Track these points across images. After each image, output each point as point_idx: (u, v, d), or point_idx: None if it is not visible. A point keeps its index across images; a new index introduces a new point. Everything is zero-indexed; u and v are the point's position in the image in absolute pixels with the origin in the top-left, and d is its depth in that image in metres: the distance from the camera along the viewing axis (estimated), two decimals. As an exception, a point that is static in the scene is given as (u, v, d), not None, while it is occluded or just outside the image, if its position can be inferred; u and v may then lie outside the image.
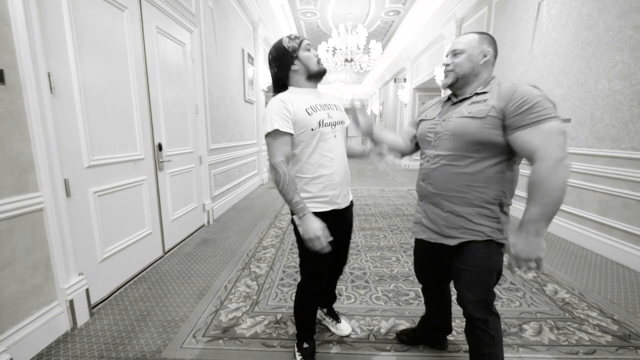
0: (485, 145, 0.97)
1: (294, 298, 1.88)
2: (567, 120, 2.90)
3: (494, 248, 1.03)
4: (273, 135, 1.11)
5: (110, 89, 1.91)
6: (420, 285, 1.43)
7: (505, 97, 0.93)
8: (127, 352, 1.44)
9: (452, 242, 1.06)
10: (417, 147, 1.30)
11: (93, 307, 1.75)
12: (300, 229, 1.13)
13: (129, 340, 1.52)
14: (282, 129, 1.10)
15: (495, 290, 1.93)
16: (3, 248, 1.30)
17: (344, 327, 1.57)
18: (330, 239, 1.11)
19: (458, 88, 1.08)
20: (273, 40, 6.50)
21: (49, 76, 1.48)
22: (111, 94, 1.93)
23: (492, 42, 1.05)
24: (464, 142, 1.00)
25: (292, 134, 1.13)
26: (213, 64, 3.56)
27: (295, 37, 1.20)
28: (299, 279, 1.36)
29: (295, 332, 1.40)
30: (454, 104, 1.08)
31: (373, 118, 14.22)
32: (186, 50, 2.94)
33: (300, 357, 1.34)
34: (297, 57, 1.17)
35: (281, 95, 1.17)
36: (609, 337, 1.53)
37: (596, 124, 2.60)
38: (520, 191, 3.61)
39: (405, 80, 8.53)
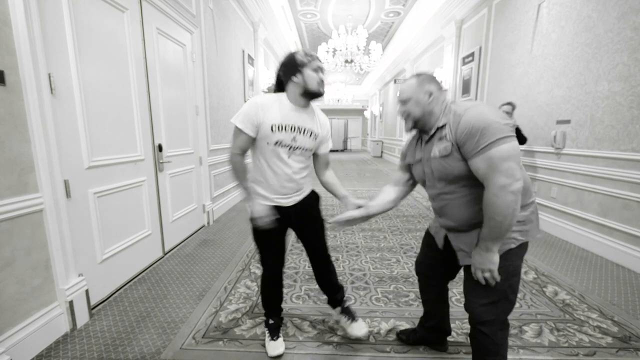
0: (466, 176, 1.00)
1: (295, 299, 1.88)
2: (566, 122, 2.90)
3: (516, 250, 1.03)
4: (236, 129, 1.25)
5: (110, 90, 1.92)
6: (419, 285, 1.42)
7: (455, 129, 0.98)
8: (126, 353, 1.44)
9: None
10: (412, 187, 1.33)
11: (93, 308, 1.75)
12: (248, 210, 1.32)
13: (129, 341, 1.52)
14: (244, 130, 1.23)
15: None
16: (3, 249, 1.30)
17: (356, 327, 1.50)
18: (272, 218, 1.30)
19: (421, 128, 1.13)
20: (273, 41, 6.52)
21: (50, 77, 1.48)
22: (111, 95, 1.93)
23: (431, 78, 1.11)
24: (450, 178, 1.04)
25: (252, 136, 1.26)
26: (213, 65, 3.56)
27: (310, 56, 1.26)
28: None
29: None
30: (426, 142, 1.13)
31: (373, 120, 14.22)
32: (186, 51, 2.94)
33: (267, 331, 1.48)
34: (300, 72, 1.24)
35: (266, 99, 1.26)
36: (609, 339, 1.52)
37: (596, 125, 2.61)
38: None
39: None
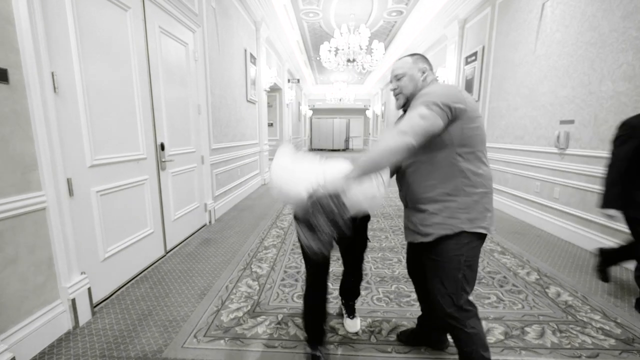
0: (420, 148, 1.02)
1: (297, 298, 1.88)
2: (570, 122, 2.88)
3: (465, 239, 1.05)
4: None
5: (113, 88, 1.92)
6: (413, 282, 1.44)
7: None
8: (128, 351, 1.44)
9: (428, 239, 1.09)
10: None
11: (95, 306, 1.76)
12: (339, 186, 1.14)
13: (131, 339, 1.52)
14: None
15: (495, 293, 1.92)
16: (6, 247, 1.30)
17: (351, 324, 1.59)
18: None
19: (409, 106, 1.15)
20: (275, 40, 6.51)
21: (53, 76, 1.49)
22: (114, 94, 1.93)
23: (425, 59, 1.18)
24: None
25: None
26: (215, 63, 3.56)
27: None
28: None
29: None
30: (401, 117, 1.20)
31: (376, 119, 14.20)
32: (189, 50, 2.94)
33: None
34: None
35: None
36: (612, 341, 1.52)
37: (600, 125, 2.59)
38: (495, 184, 3.61)
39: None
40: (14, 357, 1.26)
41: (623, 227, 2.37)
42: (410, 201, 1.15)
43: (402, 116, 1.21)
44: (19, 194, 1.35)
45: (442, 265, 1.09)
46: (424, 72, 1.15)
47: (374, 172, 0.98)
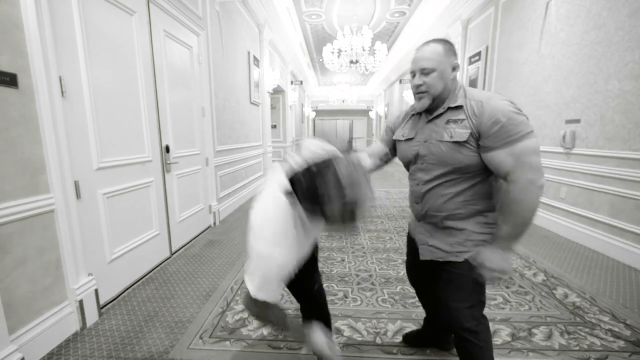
0: (471, 166, 0.96)
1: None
2: (576, 121, 2.86)
3: None
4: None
5: (119, 91, 1.94)
6: (415, 290, 1.41)
7: (478, 116, 0.92)
8: (135, 352, 1.45)
9: (460, 258, 1.02)
10: (385, 163, 1.27)
11: (102, 308, 1.77)
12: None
13: (137, 340, 1.54)
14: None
15: (502, 294, 1.91)
16: (15, 249, 1.32)
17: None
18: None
19: (434, 106, 1.02)
20: (278, 43, 6.55)
21: (60, 80, 1.51)
22: (120, 97, 1.95)
23: (454, 49, 0.99)
24: (450, 167, 0.99)
25: None
26: (219, 66, 3.59)
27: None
28: None
29: None
30: (429, 120, 1.03)
31: (379, 120, 14.18)
32: (193, 53, 2.97)
33: None
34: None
35: None
36: (621, 343, 1.49)
37: (606, 124, 2.56)
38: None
39: (410, 81, 8.50)
40: (23, 358, 1.27)
41: (631, 226, 2.34)
42: (439, 219, 1.04)
43: (422, 121, 1.06)
44: (28, 196, 1.37)
45: (465, 280, 1.02)
46: (454, 69, 0.98)
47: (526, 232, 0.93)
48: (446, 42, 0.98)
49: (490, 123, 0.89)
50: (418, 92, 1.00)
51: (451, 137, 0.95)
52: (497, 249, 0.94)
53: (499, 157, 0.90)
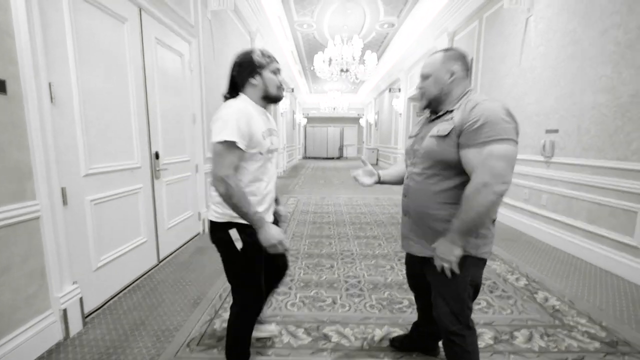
0: (450, 163, 1.01)
1: (290, 306, 1.88)
2: (555, 131, 2.99)
3: (471, 261, 1.05)
4: (227, 145, 1.04)
5: (109, 98, 1.94)
6: (413, 294, 1.45)
7: (465, 114, 0.96)
8: (120, 361, 1.43)
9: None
10: None
11: (86, 316, 1.74)
12: (261, 238, 1.09)
13: (122, 350, 1.51)
14: (238, 144, 1.05)
15: (485, 299, 1.96)
16: (-1, 256, 1.30)
17: (266, 329, 1.57)
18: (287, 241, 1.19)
19: (434, 108, 1.10)
20: (270, 50, 6.61)
21: (50, 86, 1.51)
22: (110, 104, 1.96)
23: (459, 56, 1.04)
24: (433, 160, 1.04)
25: (244, 151, 1.08)
26: (211, 73, 3.61)
27: (268, 56, 1.17)
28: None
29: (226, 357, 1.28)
30: (431, 121, 1.12)
31: (369, 128, 14.38)
32: (184, 60, 2.99)
33: None
34: (260, 74, 1.15)
35: (243, 105, 1.12)
36: (597, 344, 1.56)
37: (583, 135, 2.69)
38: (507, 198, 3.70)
39: (399, 90, 8.70)
40: (3, 369, 1.24)
41: (607, 232, 2.45)
42: (418, 215, 1.10)
43: (427, 121, 1.14)
44: (13, 202, 1.36)
45: (448, 285, 1.07)
46: (452, 75, 1.03)
47: (478, 230, 0.99)
48: (448, 50, 1.07)
49: (472, 121, 0.93)
50: (419, 94, 1.12)
51: (437, 131, 1.03)
52: (446, 240, 1.00)
53: (468, 156, 0.94)
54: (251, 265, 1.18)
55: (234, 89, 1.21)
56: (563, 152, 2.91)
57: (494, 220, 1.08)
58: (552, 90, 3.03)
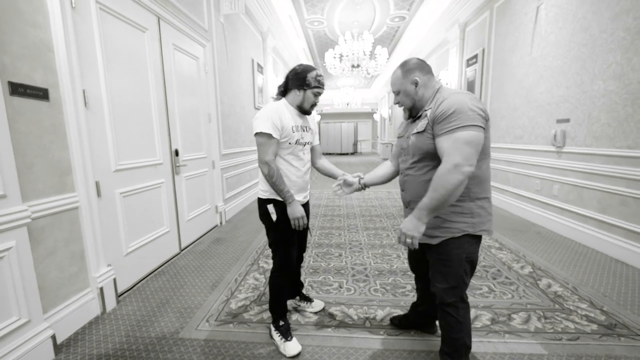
0: (432, 154, 1.11)
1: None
2: (566, 120, 2.95)
3: (467, 239, 1.15)
4: (266, 137, 1.37)
5: (133, 101, 2.15)
6: (414, 275, 1.55)
7: (435, 109, 1.08)
8: (149, 332, 1.63)
9: (435, 242, 1.17)
10: None
11: (119, 296, 1.97)
12: (289, 211, 1.43)
13: (151, 323, 1.72)
14: (274, 135, 1.38)
15: (487, 284, 2.02)
16: (47, 240, 1.52)
17: (317, 304, 1.82)
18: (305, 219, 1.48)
19: (416, 113, 1.23)
20: (282, 49, 6.76)
21: (84, 93, 1.72)
22: (134, 106, 2.16)
23: (415, 65, 1.17)
24: (419, 154, 1.17)
25: (278, 140, 1.40)
26: (224, 74, 3.80)
27: (318, 81, 1.43)
28: (302, 273, 1.53)
29: (271, 315, 1.59)
30: (413, 121, 1.25)
31: (383, 123, 14.28)
32: (200, 63, 3.18)
33: (278, 334, 1.51)
34: (304, 90, 1.44)
35: (277, 106, 1.44)
36: (594, 326, 1.60)
37: (593, 123, 2.66)
38: (497, 183, 3.67)
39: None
40: (54, 334, 1.47)
41: (618, 221, 2.43)
42: (415, 203, 1.16)
43: (410, 122, 1.27)
44: (57, 194, 1.57)
45: (445, 263, 1.17)
46: (416, 84, 1.16)
47: (443, 209, 1.06)
48: (404, 64, 1.20)
49: (441, 112, 1.05)
50: (399, 107, 1.28)
51: (416, 129, 1.16)
52: (414, 217, 1.08)
53: (441, 142, 1.04)
54: (282, 234, 1.49)
55: (283, 92, 1.51)
56: (574, 142, 2.88)
57: (488, 198, 1.17)
58: (562, 79, 3.00)
